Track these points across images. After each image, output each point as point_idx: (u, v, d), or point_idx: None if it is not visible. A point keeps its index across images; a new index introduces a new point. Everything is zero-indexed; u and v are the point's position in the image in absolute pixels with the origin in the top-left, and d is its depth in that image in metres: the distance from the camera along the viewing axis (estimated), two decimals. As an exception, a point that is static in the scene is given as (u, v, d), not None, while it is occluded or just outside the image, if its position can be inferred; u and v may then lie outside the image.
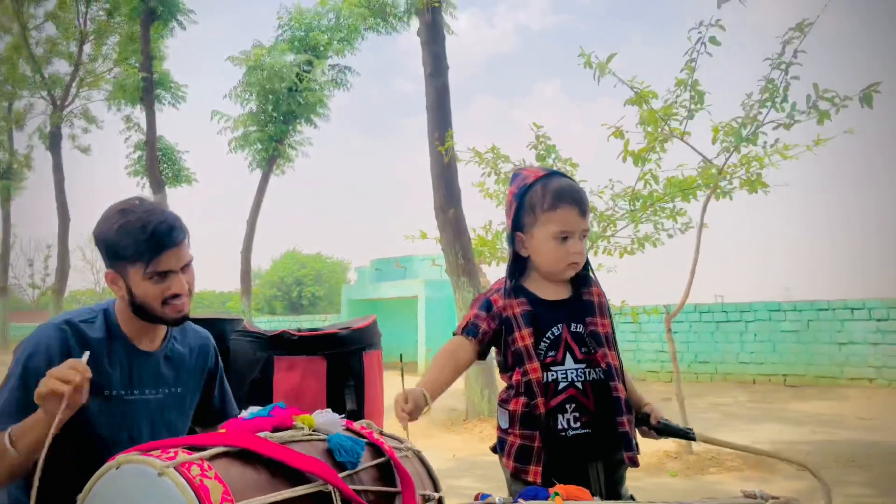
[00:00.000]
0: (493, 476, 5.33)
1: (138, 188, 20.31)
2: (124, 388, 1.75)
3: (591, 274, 1.86)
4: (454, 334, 1.85)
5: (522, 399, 1.73)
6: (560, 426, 1.71)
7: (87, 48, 24.22)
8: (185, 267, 1.74)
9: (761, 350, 12.51)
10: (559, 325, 1.76)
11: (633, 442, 1.76)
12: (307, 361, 2.52)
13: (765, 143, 5.76)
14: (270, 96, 19.23)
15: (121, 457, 1.27)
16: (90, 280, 47.91)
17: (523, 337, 1.74)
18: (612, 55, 5.76)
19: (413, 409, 1.69)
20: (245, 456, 1.37)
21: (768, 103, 5.50)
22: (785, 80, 5.40)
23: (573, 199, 1.76)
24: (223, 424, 1.54)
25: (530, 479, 1.69)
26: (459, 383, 9.88)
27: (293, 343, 2.54)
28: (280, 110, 19.58)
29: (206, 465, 1.27)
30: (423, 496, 1.68)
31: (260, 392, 2.50)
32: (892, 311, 11.27)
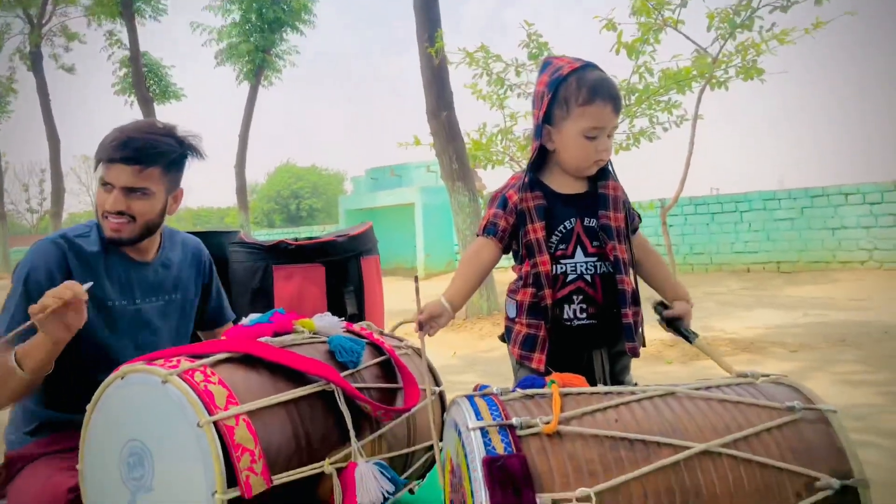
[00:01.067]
0: (494, 371, 5.48)
1: (126, 106, 19.92)
2: (125, 299, 1.79)
3: (609, 168, 1.83)
4: (476, 236, 1.88)
5: (530, 290, 1.76)
6: (566, 316, 1.75)
7: (58, -39, 23.10)
8: (131, 191, 1.71)
9: (756, 239, 12.64)
10: (572, 219, 1.77)
11: (637, 333, 1.79)
12: (305, 269, 2.55)
13: (761, 27, 5.59)
14: (254, 4, 18.56)
15: (125, 367, 1.31)
16: (87, 202, 47.71)
17: (535, 230, 1.75)
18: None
19: (427, 318, 1.71)
20: (247, 361, 1.41)
21: (764, -16, 5.31)
22: (783, -41, 5.20)
23: (609, 94, 1.71)
24: (224, 332, 1.58)
25: (534, 366, 1.74)
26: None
27: (290, 252, 2.56)
28: (265, 19, 18.94)
29: (209, 370, 1.31)
30: (424, 390, 1.74)
31: (261, 300, 2.55)
32: (886, 194, 11.35)
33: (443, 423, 1.78)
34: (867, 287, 9.79)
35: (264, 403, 1.32)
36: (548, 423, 1.20)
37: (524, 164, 9.31)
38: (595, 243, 1.76)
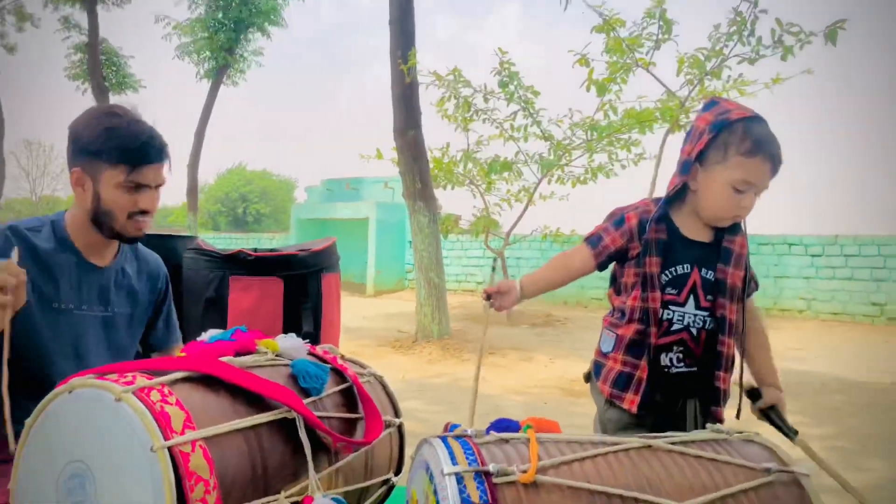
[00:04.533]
0: (442, 398, 5.39)
1: (78, 93, 19.31)
2: (72, 302, 1.70)
3: (741, 223, 1.76)
4: (583, 240, 1.83)
5: (636, 325, 1.70)
6: (663, 362, 1.70)
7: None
8: (159, 187, 1.72)
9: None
10: (688, 266, 1.71)
11: (725, 400, 1.74)
12: (263, 282, 2.47)
13: (728, 77, 5.74)
14: (221, 2, 18.28)
15: (75, 380, 1.20)
16: (25, 188, 45.89)
17: (652, 264, 1.69)
18: (584, -21, 5.62)
19: (496, 291, 1.74)
20: (207, 381, 1.32)
21: (735, 36, 5.44)
22: (753, 14, 5.34)
23: (773, 153, 1.64)
24: (183, 348, 1.48)
25: (625, 406, 1.68)
26: (410, 305, 9.91)
27: (249, 263, 2.48)
28: (230, 17, 18.66)
29: (166, 390, 1.21)
30: (385, 422, 1.68)
31: (215, 311, 2.46)
32: (827, 247, 11.74)
33: (400, 457, 1.73)
34: (804, 337, 10.07)
35: (223, 429, 1.23)
36: (525, 471, 1.14)
37: (484, 188, 9.31)
38: (709, 297, 1.70)
